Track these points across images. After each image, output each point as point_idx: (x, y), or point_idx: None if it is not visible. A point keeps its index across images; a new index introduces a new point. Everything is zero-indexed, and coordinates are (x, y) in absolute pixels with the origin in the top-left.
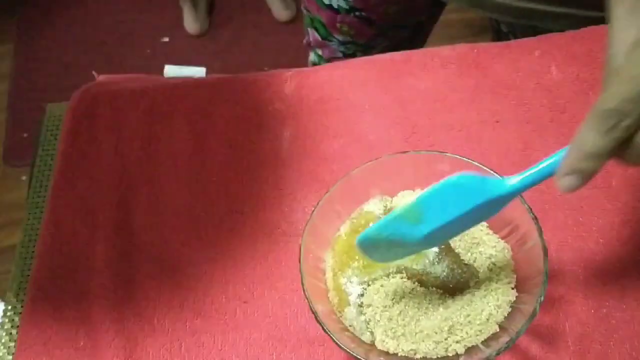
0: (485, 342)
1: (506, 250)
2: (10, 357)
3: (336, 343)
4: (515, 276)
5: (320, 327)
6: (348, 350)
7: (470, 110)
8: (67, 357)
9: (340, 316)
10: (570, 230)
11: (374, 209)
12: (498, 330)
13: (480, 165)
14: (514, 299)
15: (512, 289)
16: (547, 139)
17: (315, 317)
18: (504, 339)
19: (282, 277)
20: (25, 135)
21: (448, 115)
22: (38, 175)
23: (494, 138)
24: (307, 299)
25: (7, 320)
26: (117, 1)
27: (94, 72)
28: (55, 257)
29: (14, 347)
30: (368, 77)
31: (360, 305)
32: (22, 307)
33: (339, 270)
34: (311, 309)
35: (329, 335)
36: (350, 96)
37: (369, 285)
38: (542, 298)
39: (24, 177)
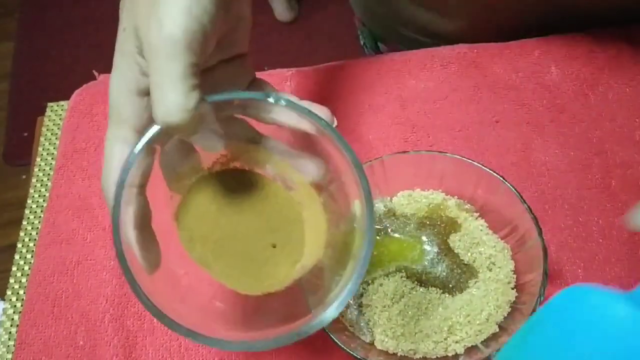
0: (485, 342)
1: (506, 251)
2: (10, 355)
3: (335, 343)
4: (515, 276)
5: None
6: (347, 350)
7: (470, 110)
8: (67, 356)
9: (340, 316)
10: (570, 230)
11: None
12: (498, 330)
13: (480, 166)
14: (514, 299)
15: (512, 289)
16: (547, 139)
17: None
18: (504, 339)
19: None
20: (25, 134)
21: (448, 115)
22: (38, 174)
23: (493, 138)
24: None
25: (6, 319)
26: (118, 1)
27: (94, 72)
28: (55, 256)
29: (14, 345)
30: (368, 77)
31: (360, 305)
32: (21, 305)
33: None
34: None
35: (328, 334)
36: (350, 96)
37: (368, 284)
38: (541, 298)
39: (24, 176)
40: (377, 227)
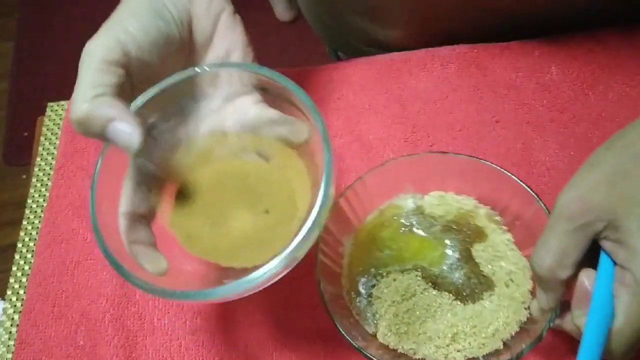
0: (487, 356)
1: (527, 269)
2: (10, 355)
3: (337, 327)
4: (531, 297)
5: (325, 313)
6: (348, 337)
7: (470, 110)
8: (67, 356)
9: (350, 303)
10: None
11: (404, 204)
12: (502, 347)
13: (516, 179)
14: (525, 319)
15: (525, 309)
16: (547, 139)
17: (322, 298)
18: (505, 356)
19: (282, 277)
20: (25, 134)
21: (448, 115)
22: (38, 174)
23: (493, 138)
24: (317, 279)
25: (6, 318)
26: (117, 1)
27: None
28: (55, 256)
29: (14, 345)
30: (368, 77)
31: (370, 296)
32: (21, 305)
33: (356, 258)
34: (319, 289)
35: (331, 318)
36: (350, 96)
37: (382, 277)
38: (551, 323)
39: (24, 176)
40: (402, 221)
